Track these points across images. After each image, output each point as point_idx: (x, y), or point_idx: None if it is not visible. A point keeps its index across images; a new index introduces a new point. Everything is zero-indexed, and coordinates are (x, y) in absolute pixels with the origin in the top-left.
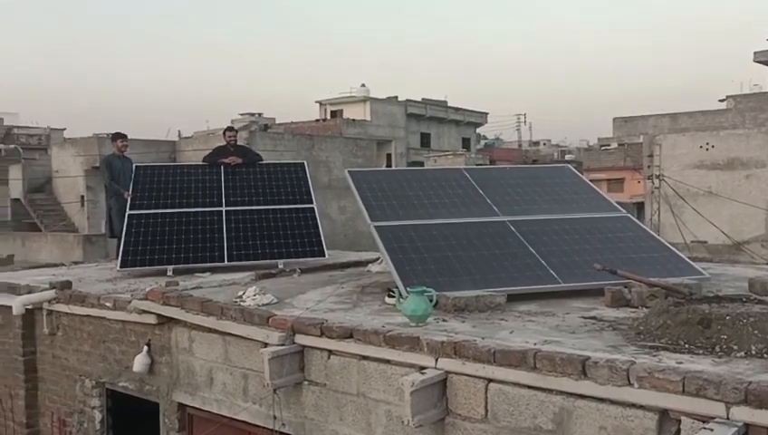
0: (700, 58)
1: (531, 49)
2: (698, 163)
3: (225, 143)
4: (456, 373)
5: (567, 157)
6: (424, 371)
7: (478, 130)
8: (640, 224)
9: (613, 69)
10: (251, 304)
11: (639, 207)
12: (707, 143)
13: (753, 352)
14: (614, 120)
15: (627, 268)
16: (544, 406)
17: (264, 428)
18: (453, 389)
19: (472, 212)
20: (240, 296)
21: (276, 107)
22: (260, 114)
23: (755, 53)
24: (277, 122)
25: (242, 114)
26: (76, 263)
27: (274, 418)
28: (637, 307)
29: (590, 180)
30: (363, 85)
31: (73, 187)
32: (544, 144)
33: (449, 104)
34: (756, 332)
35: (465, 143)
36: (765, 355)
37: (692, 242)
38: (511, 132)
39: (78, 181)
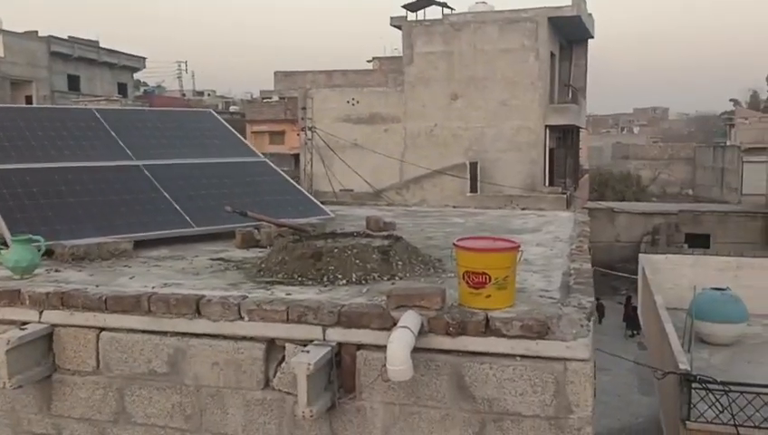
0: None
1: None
2: (345, 117)
3: None
4: (64, 326)
5: (231, 108)
6: (25, 326)
7: (138, 77)
8: (277, 169)
9: (278, 25)
10: None
11: (297, 159)
12: (353, 99)
13: (354, 280)
14: (275, 73)
15: (260, 210)
16: (159, 349)
17: None
18: (60, 343)
19: (102, 156)
20: None
21: None
22: None
23: (391, 17)
24: None
25: None
26: None
27: None
28: (266, 247)
29: (253, 132)
30: None
31: None
32: (209, 95)
33: (102, 46)
34: (358, 261)
35: (122, 89)
36: (363, 281)
37: (340, 190)
38: (174, 81)
39: None
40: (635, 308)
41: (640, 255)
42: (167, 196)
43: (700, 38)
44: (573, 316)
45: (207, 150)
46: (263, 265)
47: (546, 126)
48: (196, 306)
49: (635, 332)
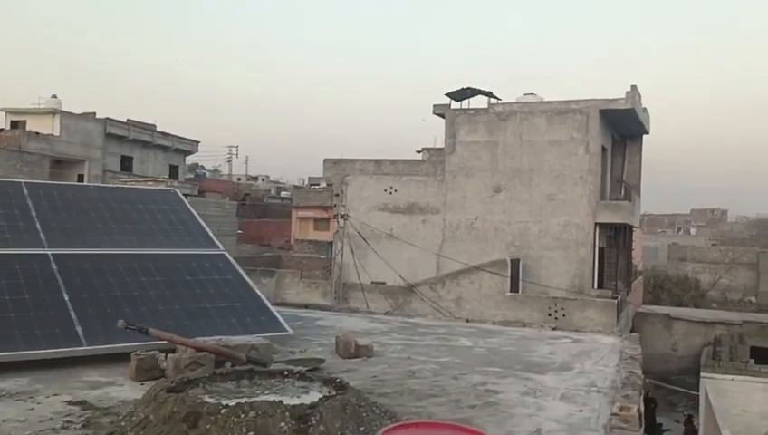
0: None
1: (257, 89)
2: (383, 206)
3: None
4: None
5: (283, 193)
6: None
7: (195, 160)
8: (235, 265)
9: (334, 114)
10: None
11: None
12: (391, 187)
13: None
14: (324, 160)
15: (196, 321)
16: None
17: None
18: None
19: (5, 241)
20: None
21: None
22: None
23: (434, 105)
24: None
25: None
26: None
27: None
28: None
29: (299, 217)
30: (54, 96)
31: None
32: (263, 180)
33: (158, 129)
34: (251, 434)
35: (174, 171)
36: None
37: (371, 283)
38: (232, 165)
39: None
40: (695, 431)
41: (702, 375)
42: (65, 298)
43: (760, 140)
44: None
45: (152, 238)
46: (122, 424)
47: (596, 223)
48: None
49: None
